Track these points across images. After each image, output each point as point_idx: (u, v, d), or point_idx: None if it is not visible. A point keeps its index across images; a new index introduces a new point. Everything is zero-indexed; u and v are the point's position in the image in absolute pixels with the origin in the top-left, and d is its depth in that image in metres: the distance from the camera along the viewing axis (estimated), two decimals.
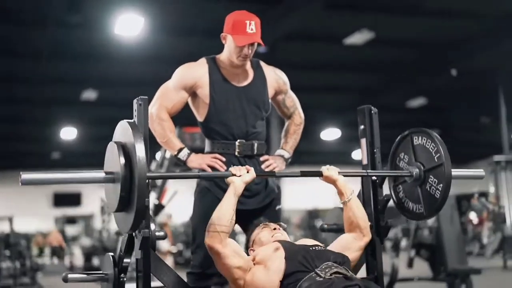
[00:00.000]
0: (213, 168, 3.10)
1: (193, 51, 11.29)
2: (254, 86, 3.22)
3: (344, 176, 2.75)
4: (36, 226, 20.86)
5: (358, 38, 10.70)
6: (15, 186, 17.18)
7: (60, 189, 21.86)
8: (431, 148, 2.72)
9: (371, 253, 2.83)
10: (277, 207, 3.27)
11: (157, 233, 2.53)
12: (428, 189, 2.72)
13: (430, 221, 6.25)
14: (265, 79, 3.27)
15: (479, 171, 3.05)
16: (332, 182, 2.72)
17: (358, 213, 2.71)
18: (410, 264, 6.41)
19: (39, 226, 20.87)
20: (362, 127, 2.96)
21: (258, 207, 3.15)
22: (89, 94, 13.31)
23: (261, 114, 3.25)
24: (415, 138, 2.82)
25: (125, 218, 2.26)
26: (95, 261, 14.08)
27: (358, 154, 15.60)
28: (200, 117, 3.21)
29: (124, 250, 2.54)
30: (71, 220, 22.28)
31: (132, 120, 2.37)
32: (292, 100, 3.42)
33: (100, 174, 2.30)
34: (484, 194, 7.28)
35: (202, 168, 3.07)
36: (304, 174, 2.71)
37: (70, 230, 22.53)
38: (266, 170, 3.17)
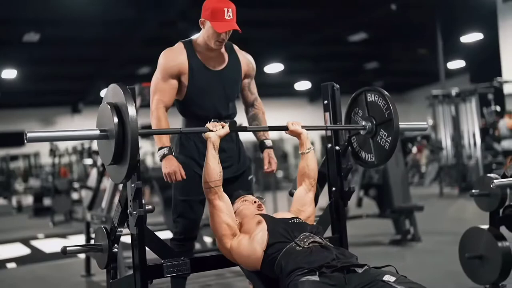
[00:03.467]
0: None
1: None
2: (229, 70, 3.44)
3: (307, 129, 3.11)
4: None
5: None
6: None
7: (0, 129, 21.54)
8: (382, 105, 3.03)
9: (336, 216, 3.19)
10: (249, 177, 3.60)
11: (146, 207, 2.78)
12: (379, 141, 3.06)
13: None
14: (239, 62, 3.49)
15: (423, 124, 3.45)
16: (297, 135, 3.09)
17: (312, 164, 3.09)
18: (359, 203, 6.87)
19: None
20: (325, 102, 3.22)
21: (231, 176, 3.42)
22: (31, 36, 13.08)
23: (233, 97, 3.50)
24: (369, 95, 3.14)
25: (119, 170, 2.52)
26: (46, 202, 14.20)
27: (300, 86, 15.82)
28: (178, 97, 3.41)
29: (117, 223, 2.80)
30: (14, 157, 22.14)
31: (122, 84, 2.57)
32: (255, 87, 3.66)
33: (95, 131, 2.53)
34: (426, 137, 7.75)
35: (165, 173, 3.25)
36: (271, 128, 3.15)
37: (13, 165, 22.48)
38: (269, 169, 3.51)
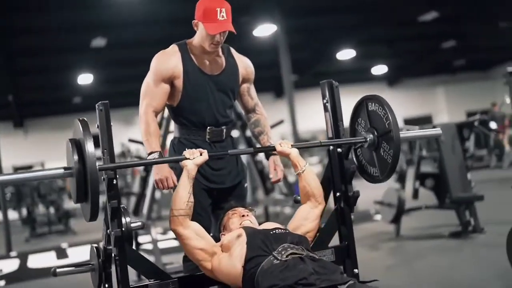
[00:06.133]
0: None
1: None
2: (226, 75, 3.25)
3: (298, 148, 2.91)
4: None
5: None
6: (45, 133, 17.70)
7: None
8: (382, 115, 2.78)
9: (342, 222, 2.97)
10: (245, 185, 3.42)
11: (133, 225, 2.67)
12: (382, 154, 2.81)
13: (433, 151, 6.32)
14: (237, 66, 3.30)
15: (436, 130, 3.14)
16: (286, 155, 2.88)
17: (312, 183, 2.87)
18: (415, 195, 6.51)
19: None
20: (324, 101, 3.00)
21: (230, 186, 3.27)
22: (99, 41, 13.41)
23: (230, 102, 3.31)
24: (370, 105, 2.88)
25: (85, 208, 2.45)
26: (123, 201, 14.50)
27: (377, 70, 15.35)
28: (172, 103, 3.25)
29: (105, 242, 2.71)
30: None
31: (83, 118, 2.51)
32: (254, 91, 3.45)
33: (59, 170, 2.48)
34: (484, 122, 7.22)
35: (155, 179, 3.09)
36: (257, 151, 3.03)
37: None
38: (275, 179, 3.28)
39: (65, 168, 2.47)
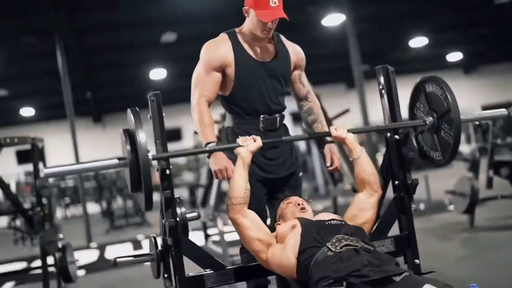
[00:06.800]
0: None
1: None
2: (277, 62, 3.20)
3: (355, 132, 2.83)
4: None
5: None
6: (121, 127, 18.14)
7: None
8: (441, 94, 2.69)
9: (401, 211, 2.88)
10: (300, 175, 3.36)
11: (188, 215, 2.68)
12: (443, 135, 2.72)
13: (509, 139, 6.06)
14: (288, 53, 3.24)
15: (501, 111, 2.97)
16: (342, 140, 2.83)
17: (367, 169, 2.80)
18: (489, 184, 6.26)
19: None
20: (380, 87, 2.91)
21: (285, 175, 3.22)
22: (169, 36, 13.57)
23: (283, 89, 3.25)
24: (427, 86, 2.79)
25: (140, 197, 2.47)
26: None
27: (452, 57, 14.88)
28: (223, 92, 3.21)
29: (162, 233, 2.73)
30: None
31: (135, 108, 2.51)
32: (306, 79, 3.37)
33: (113, 161, 2.51)
34: None
35: (214, 170, 3.03)
36: (311, 136, 3.01)
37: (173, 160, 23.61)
38: (332, 167, 3.19)
39: (119, 159, 2.50)
